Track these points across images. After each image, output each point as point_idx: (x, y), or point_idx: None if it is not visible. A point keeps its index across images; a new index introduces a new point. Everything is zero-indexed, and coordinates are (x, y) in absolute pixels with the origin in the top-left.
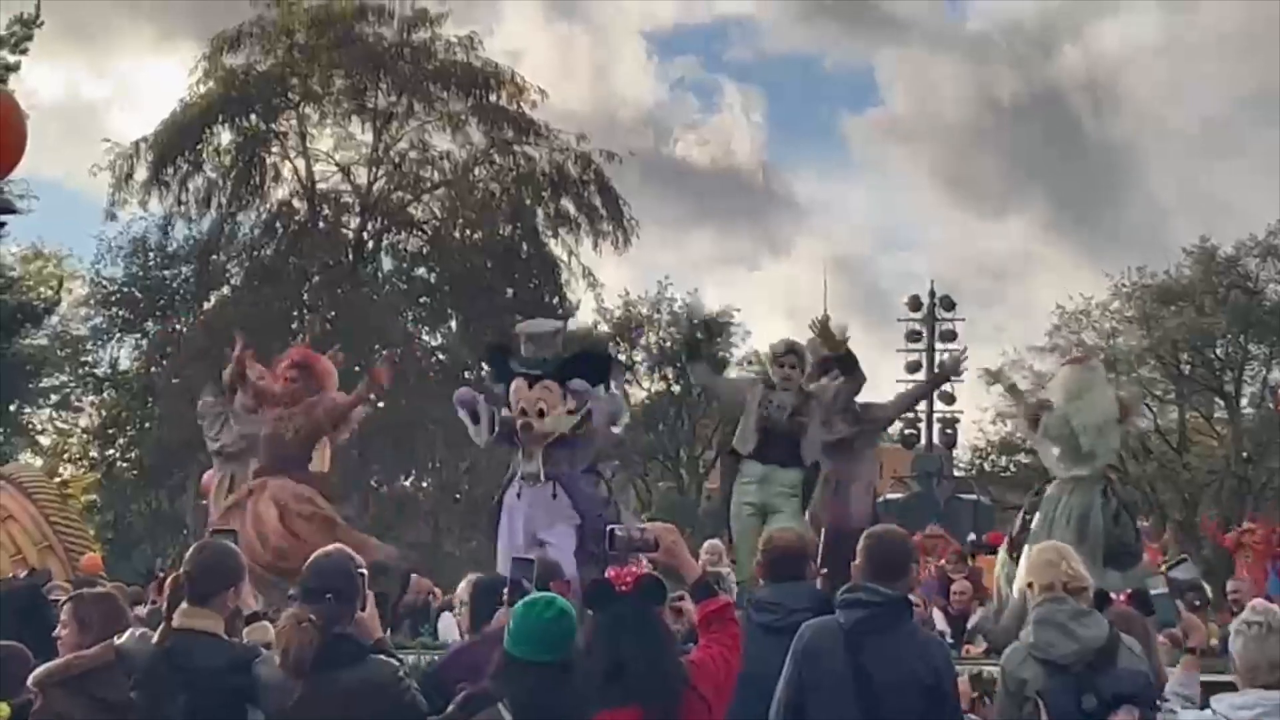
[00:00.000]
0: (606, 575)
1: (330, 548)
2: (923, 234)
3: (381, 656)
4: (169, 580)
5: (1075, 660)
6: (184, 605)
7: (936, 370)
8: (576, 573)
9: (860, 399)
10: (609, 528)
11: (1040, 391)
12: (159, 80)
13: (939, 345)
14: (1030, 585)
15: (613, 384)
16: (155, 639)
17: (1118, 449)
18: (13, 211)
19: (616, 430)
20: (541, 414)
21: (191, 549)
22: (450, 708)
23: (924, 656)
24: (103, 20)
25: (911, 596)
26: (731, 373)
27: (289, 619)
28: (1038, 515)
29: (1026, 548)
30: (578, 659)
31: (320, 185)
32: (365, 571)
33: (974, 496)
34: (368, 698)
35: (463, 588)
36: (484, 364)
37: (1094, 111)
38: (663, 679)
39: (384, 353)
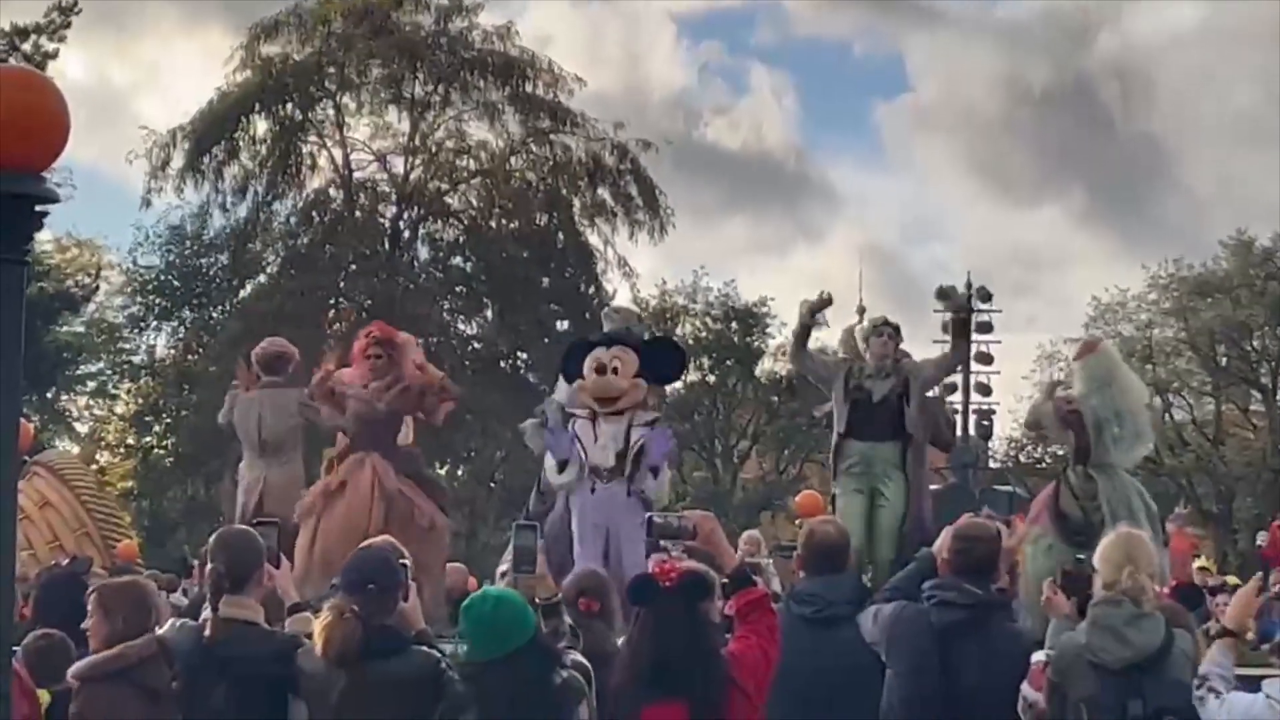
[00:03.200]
0: (651, 570)
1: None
2: (955, 223)
3: (424, 647)
4: (207, 573)
5: (1126, 665)
6: (225, 596)
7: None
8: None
9: None
10: (647, 515)
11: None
12: (188, 65)
13: (975, 336)
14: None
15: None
16: (208, 632)
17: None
18: (54, 201)
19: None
20: (616, 371)
21: (216, 540)
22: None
23: (1014, 657)
24: (131, 4)
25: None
26: (766, 363)
27: (331, 610)
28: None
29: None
30: (547, 640)
31: (356, 174)
32: (408, 562)
33: (1009, 488)
34: (410, 688)
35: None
36: (564, 360)
37: (1129, 100)
38: (707, 674)
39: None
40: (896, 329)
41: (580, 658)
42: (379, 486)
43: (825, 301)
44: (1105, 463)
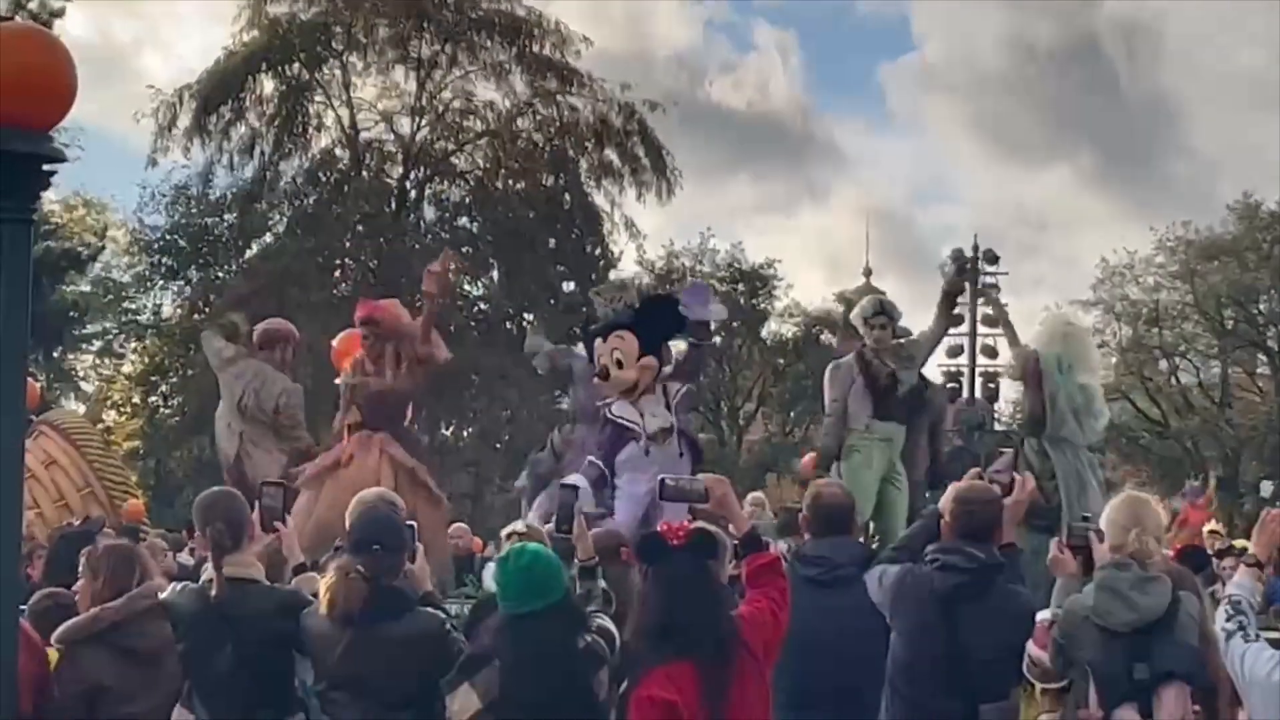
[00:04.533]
0: (659, 529)
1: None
2: (962, 184)
3: (429, 609)
4: (209, 534)
5: (1132, 628)
6: (227, 556)
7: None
8: None
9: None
10: (660, 477)
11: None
12: (190, 22)
13: (982, 299)
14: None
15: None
16: (214, 591)
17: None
18: (61, 160)
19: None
20: (620, 364)
21: (207, 501)
22: (451, 671)
23: (1016, 619)
24: None
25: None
26: (772, 324)
27: (336, 570)
28: (1062, 484)
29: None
30: (577, 599)
31: (363, 134)
32: (414, 524)
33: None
34: (414, 649)
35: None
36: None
37: (1136, 60)
38: (716, 634)
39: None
40: (889, 313)
41: (608, 623)
42: (389, 458)
43: None
44: (1060, 437)
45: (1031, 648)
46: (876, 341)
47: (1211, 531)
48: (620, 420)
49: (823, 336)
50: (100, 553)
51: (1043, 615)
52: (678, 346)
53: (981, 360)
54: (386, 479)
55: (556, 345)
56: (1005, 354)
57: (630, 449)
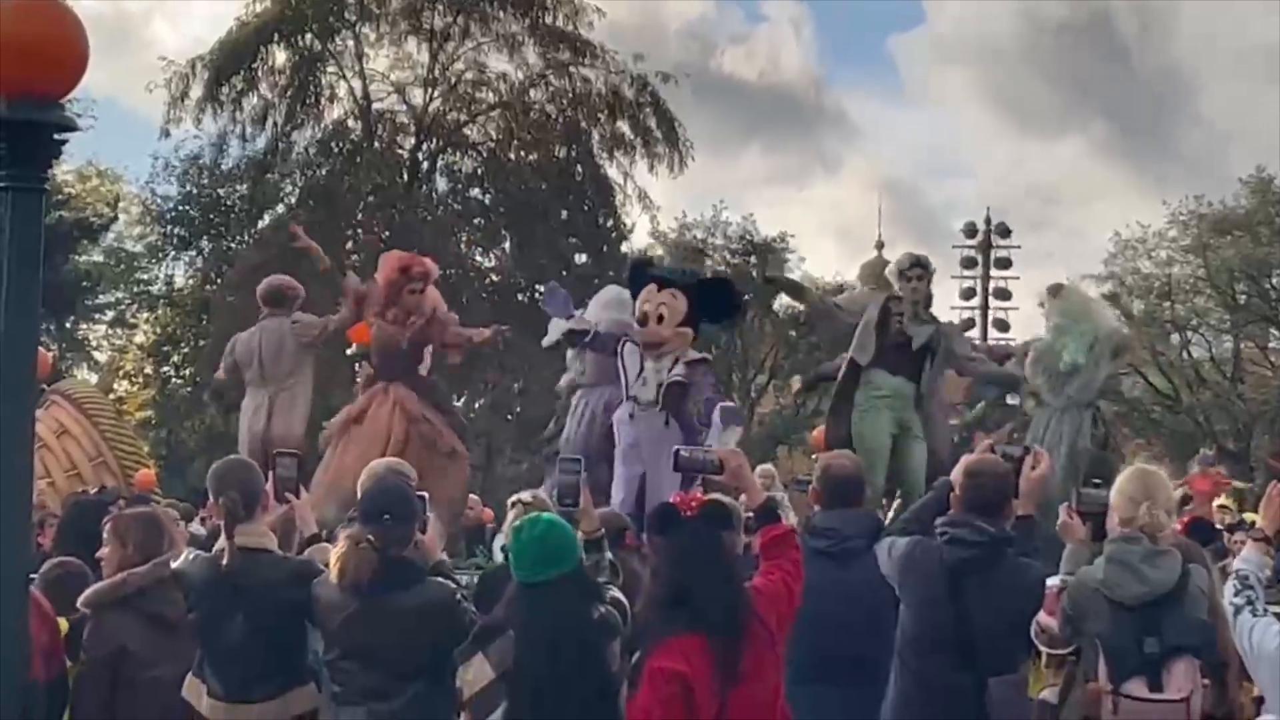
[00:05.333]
0: (672, 500)
1: (385, 468)
2: (973, 156)
3: (439, 579)
4: (220, 504)
5: (1142, 601)
6: (239, 525)
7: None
8: None
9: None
10: (674, 448)
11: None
12: None
13: (994, 272)
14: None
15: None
16: (224, 561)
17: (1108, 379)
18: (73, 129)
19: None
20: (661, 319)
21: (221, 470)
22: (465, 642)
23: (1025, 592)
24: None
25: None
26: (784, 297)
27: (347, 540)
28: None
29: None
30: (590, 573)
31: (376, 105)
32: (426, 494)
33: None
34: (424, 619)
35: (513, 514)
36: (629, 279)
37: (1149, 32)
38: (728, 605)
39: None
40: (926, 269)
41: (619, 594)
42: (401, 412)
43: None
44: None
45: (1041, 615)
46: (912, 293)
47: (1221, 506)
48: (624, 362)
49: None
50: (129, 519)
51: (1052, 582)
52: None
53: (993, 334)
54: (398, 432)
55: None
56: (1018, 327)
57: (620, 416)
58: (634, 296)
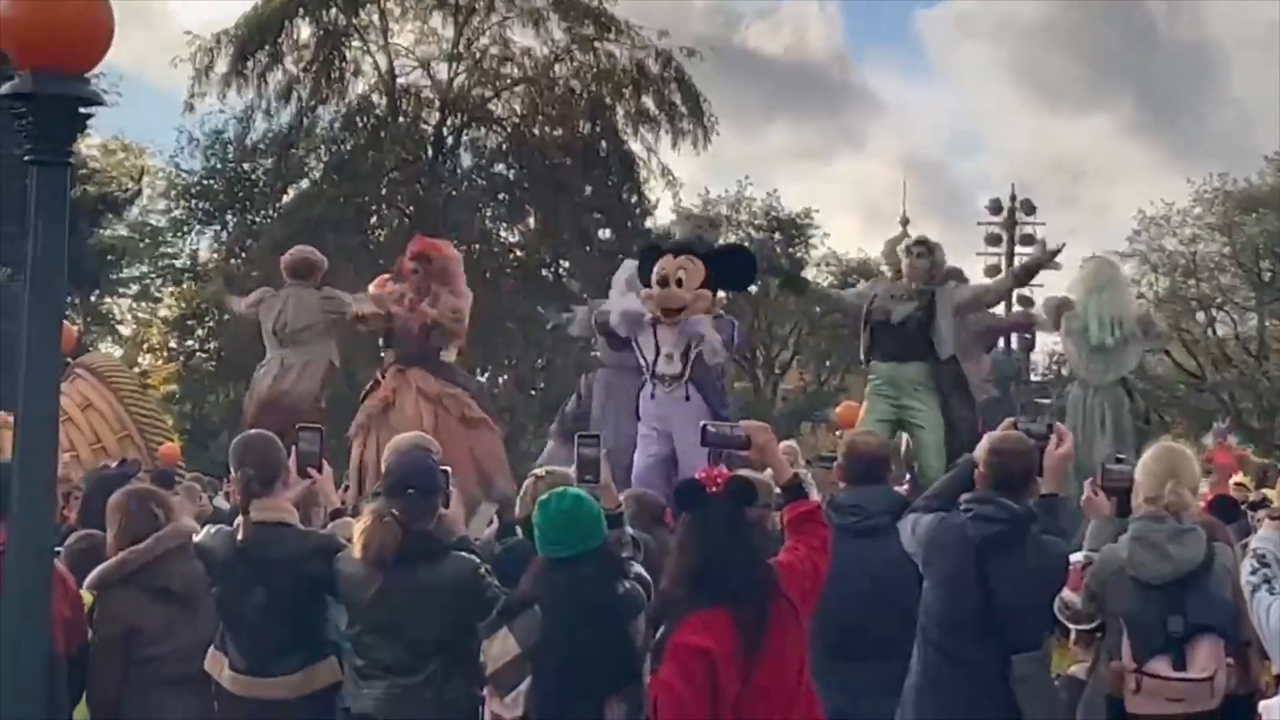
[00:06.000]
0: (697, 476)
1: (409, 443)
2: (998, 132)
3: (462, 553)
4: (235, 478)
5: (1166, 581)
6: (255, 500)
7: (1027, 262)
8: None
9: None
10: (701, 424)
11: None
12: None
13: (1019, 249)
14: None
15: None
16: (239, 535)
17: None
18: (98, 103)
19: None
20: (680, 283)
21: (241, 445)
22: (491, 615)
23: (1049, 569)
24: None
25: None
26: (809, 273)
27: (371, 514)
28: (1067, 422)
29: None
30: (614, 549)
31: (400, 80)
32: (449, 469)
33: (1050, 400)
34: (446, 593)
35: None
36: (639, 266)
37: (1176, 8)
38: (752, 581)
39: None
40: (930, 248)
41: (642, 570)
42: (422, 395)
43: None
44: (1082, 379)
45: (1064, 590)
46: (911, 270)
47: (1238, 484)
48: (639, 348)
49: (859, 286)
50: (116, 499)
51: (1076, 558)
52: None
53: (1017, 310)
54: (428, 417)
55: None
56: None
57: (643, 395)
58: (644, 279)
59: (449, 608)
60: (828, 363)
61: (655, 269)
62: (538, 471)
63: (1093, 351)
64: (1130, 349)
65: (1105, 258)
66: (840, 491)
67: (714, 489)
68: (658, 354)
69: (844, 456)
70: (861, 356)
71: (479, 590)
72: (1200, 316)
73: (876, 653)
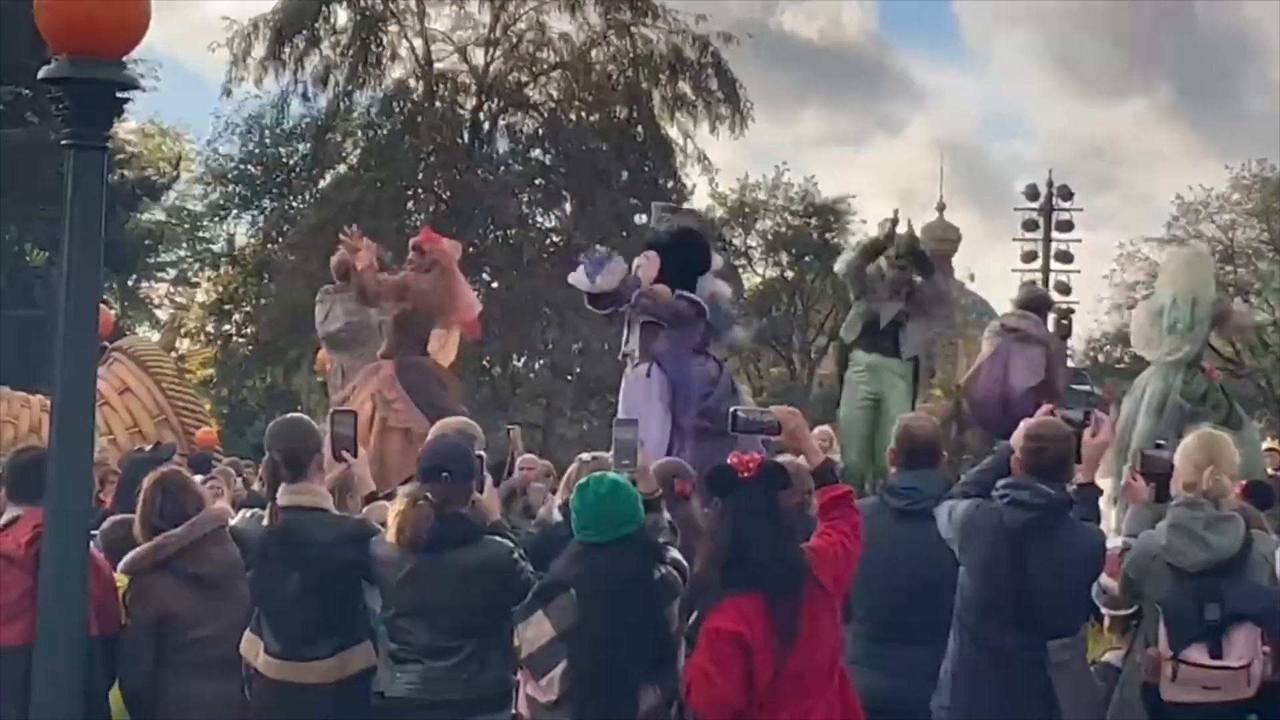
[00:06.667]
0: (729, 461)
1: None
2: (1034, 117)
3: (496, 537)
4: (264, 463)
5: (1204, 568)
6: (284, 485)
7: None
8: (662, 453)
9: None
10: (731, 409)
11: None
12: None
13: (1055, 235)
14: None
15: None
16: (266, 520)
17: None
18: (134, 87)
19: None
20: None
21: (272, 430)
22: (526, 598)
23: (1086, 556)
24: None
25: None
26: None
27: (405, 498)
28: (1126, 400)
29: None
30: (651, 534)
31: (437, 65)
32: (484, 453)
33: (1089, 387)
34: (480, 577)
35: (574, 468)
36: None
37: None
38: (785, 566)
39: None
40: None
41: (678, 555)
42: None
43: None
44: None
45: (1102, 576)
46: (896, 275)
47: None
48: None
49: None
50: (149, 484)
51: (1114, 544)
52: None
53: (1055, 296)
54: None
55: None
56: (1079, 290)
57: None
58: None
59: (482, 591)
60: None
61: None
62: (583, 456)
63: (1164, 330)
64: (1196, 333)
65: (1197, 249)
66: (895, 475)
67: (746, 474)
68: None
69: (898, 440)
70: (848, 338)
71: (512, 574)
72: (1238, 303)
73: (923, 636)
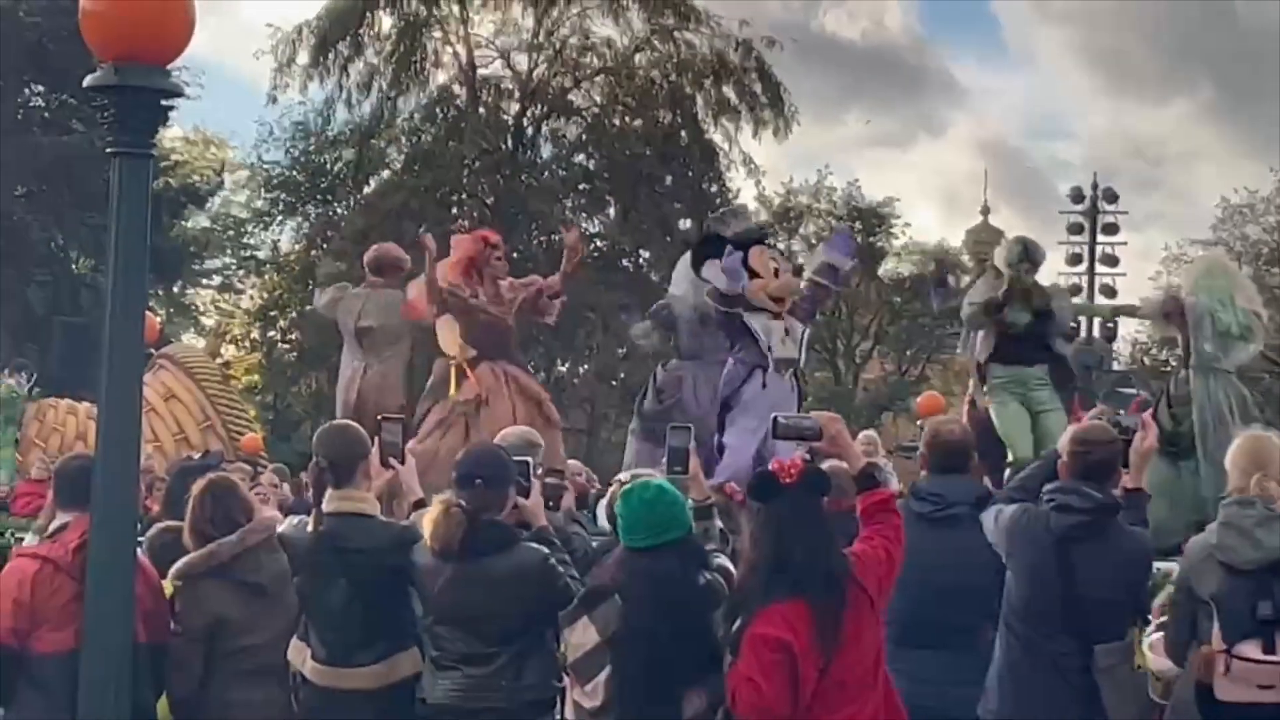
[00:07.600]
0: (770, 467)
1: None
2: (1078, 117)
3: (531, 544)
4: (310, 468)
5: (1256, 566)
6: (330, 491)
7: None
8: None
9: None
10: (773, 415)
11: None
12: None
13: (1101, 238)
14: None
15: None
16: (310, 526)
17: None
18: (179, 95)
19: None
20: (776, 274)
21: (320, 435)
22: (566, 604)
23: (1133, 560)
24: None
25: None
26: (889, 263)
27: (439, 505)
28: (1195, 413)
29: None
30: (697, 540)
31: (481, 71)
32: (529, 460)
33: (1134, 390)
34: (514, 584)
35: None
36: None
37: None
38: (828, 572)
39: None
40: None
41: (726, 562)
42: (519, 391)
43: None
44: (1207, 365)
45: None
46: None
47: None
48: (754, 332)
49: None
50: (198, 492)
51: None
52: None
53: (1100, 300)
54: (521, 409)
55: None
56: (1125, 293)
57: (752, 388)
58: (698, 265)
59: (517, 597)
60: (908, 352)
61: (762, 257)
62: (622, 477)
63: (1218, 336)
64: (1249, 345)
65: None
66: (922, 479)
67: (788, 479)
68: (770, 335)
69: (926, 445)
70: (982, 358)
71: (549, 580)
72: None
73: (945, 642)
